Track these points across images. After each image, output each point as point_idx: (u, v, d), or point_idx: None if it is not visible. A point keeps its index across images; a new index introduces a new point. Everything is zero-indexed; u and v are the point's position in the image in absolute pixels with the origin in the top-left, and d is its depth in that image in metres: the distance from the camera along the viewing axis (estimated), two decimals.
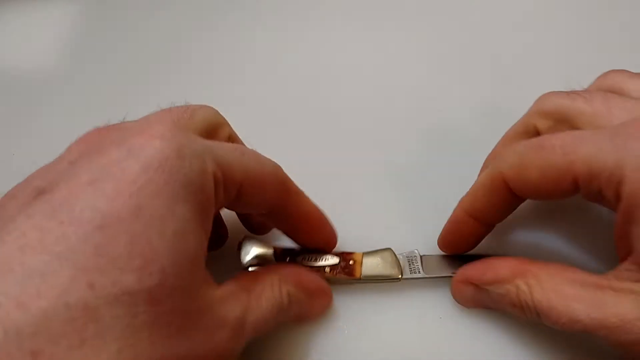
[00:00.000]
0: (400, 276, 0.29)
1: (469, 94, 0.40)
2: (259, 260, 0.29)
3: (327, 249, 0.30)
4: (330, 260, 0.29)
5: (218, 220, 0.30)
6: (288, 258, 0.29)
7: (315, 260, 0.29)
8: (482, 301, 0.27)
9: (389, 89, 0.41)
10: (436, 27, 0.45)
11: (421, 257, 0.30)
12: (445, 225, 0.30)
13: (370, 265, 0.29)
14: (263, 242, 0.29)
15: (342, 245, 0.30)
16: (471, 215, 0.28)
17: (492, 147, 0.31)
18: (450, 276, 0.29)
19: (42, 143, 0.32)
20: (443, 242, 0.30)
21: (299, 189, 0.27)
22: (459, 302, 0.29)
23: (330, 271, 0.29)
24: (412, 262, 0.30)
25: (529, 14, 0.45)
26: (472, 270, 0.28)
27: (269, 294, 0.25)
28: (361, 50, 0.44)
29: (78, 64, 0.45)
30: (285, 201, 0.26)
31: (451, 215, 0.29)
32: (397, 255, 0.30)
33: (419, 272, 0.30)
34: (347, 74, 0.42)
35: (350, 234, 0.31)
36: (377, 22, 0.46)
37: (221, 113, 0.27)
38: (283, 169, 0.26)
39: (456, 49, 0.43)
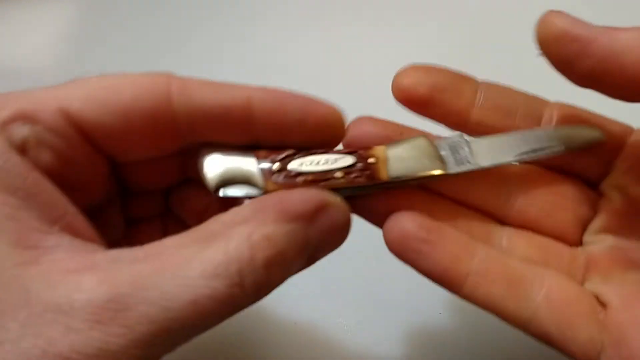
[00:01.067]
0: (445, 170, 0.21)
1: None
2: (236, 177, 0.19)
3: (328, 145, 0.21)
4: (341, 160, 0.20)
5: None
6: (278, 164, 0.19)
7: (319, 163, 0.20)
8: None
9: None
10: (440, 26, 0.44)
11: (468, 142, 0.22)
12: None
13: (400, 161, 0.20)
14: (236, 149, 0.20)
15: None
16: None
17: None
18: (513, 162, 0.22)
19: None
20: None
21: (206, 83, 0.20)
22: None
23: (343, 176, 0.20)
24: (457, 151, 0.21)
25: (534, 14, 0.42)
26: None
27: (211, 253, 0.16)
28: (361, 49, 0.42)
29: (78, 62, 0.43)
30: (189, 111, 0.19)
31: None
32: (435, 144, 0.21)
33: (469, 162, 0.21)
34: (347, 73, 0.41)
35: None
36: (377, 21, 0.44)
37: None
38: None
39: (460, 48, 0.42)
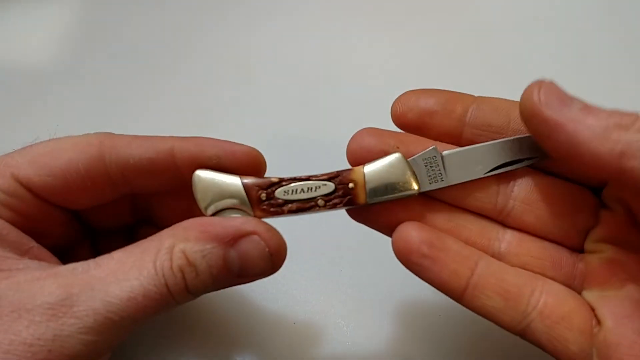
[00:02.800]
0: (417, 188, 0.22)
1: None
2: (226, 204, 0.21)
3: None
4: (323, 188, 0.22)
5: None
6: (263, 194, 0.22)
7: (302, 191, 0.22)
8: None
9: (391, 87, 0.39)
10: (439, 27, 0.44)
11: (442, 157, 0.23)
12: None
13: (377, 183, 0.22)
14: (225, 174, 0.22)
15: None
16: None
17: None
18: (485, 176, 0.23)
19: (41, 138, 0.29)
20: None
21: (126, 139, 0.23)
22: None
23: (325, 204, 0.22)
24: (431, 167, 0.22)
25: (532, 16, 0.44)
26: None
27: (145, 261, 0.20)
28: (361, 49, 0.43)
29: (78, 62, 0.44)
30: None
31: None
32: (409, 161, 0.22)
33: (442, 180, 0.22)
34: (347, 72, 0.41)
35: None
36: (378, 21, 0.45)
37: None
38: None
39: (458, 50, 0.42)
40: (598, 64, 0.40)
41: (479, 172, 0.23)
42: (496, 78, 0.40)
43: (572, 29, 0.42)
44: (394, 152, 0.22)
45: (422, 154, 0.23)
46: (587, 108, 0.19)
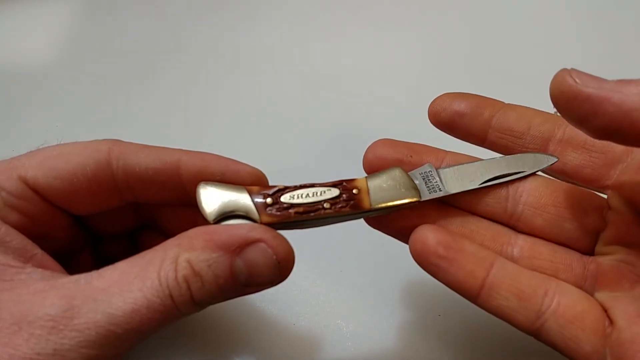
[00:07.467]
0: (418, 198, 0.23)
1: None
2: (231, 209, 0.22)
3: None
4: (328, 192, 0.22)
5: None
6: (269, 199, 0.22)
7: (308, 196, 0.22)
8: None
9: (391, 87, 0.41)
10: (435, 28, 0.45)
11: (438, 171, 0.24)
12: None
13: (380, 191, 0.23)
14: (230, 185, 0.23)
15: None
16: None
17: None
18: (480, 188, 0.24)
19: (41, 139, 0.29)
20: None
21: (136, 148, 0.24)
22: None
23: (331, 207, 0.22)
24: (429, 179, 0.24)
25: (530, 16, 0.45)
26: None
27: (148, 272, 0.20)
28: (358, 50, 0.44)
29: (78, 62, 0.44)
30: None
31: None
32: (408, 173, 0.24)
33: (440, 190, 0.24)
34: (345, 73, 0.42)
35: None
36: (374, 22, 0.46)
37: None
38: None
39: (456, 50, 0.43)
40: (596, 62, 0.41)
41: (474, 184, 0.24)
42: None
43: (576, 24, 0.43)
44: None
45: (419, 169, 0.24)
46: (622, 81, 0.19)
